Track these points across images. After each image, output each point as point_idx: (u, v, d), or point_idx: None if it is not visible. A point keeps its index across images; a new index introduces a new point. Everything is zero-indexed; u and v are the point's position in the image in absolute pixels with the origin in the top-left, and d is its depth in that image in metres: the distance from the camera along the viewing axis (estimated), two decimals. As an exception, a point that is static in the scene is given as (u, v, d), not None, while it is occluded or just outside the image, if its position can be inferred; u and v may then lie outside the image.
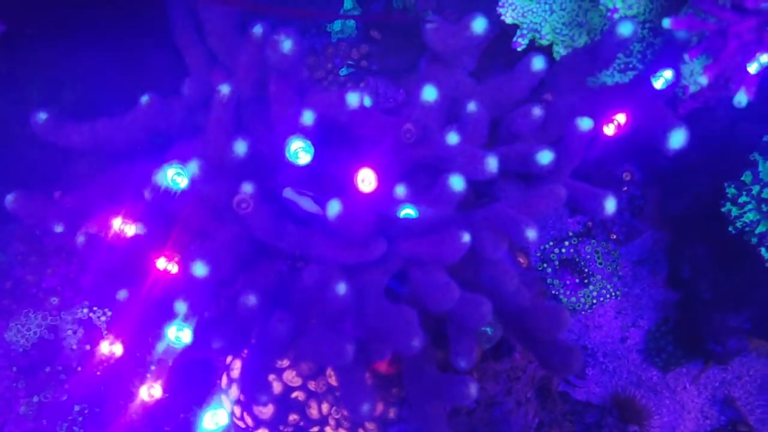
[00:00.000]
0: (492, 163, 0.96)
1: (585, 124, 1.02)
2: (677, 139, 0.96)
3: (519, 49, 1.24)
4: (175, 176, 0.98)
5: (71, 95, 1.30)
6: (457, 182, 0.94)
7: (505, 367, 1.11)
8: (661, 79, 1.08)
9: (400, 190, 0.95)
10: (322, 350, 0.87)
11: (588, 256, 1.63)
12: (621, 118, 0.94)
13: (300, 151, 0.96)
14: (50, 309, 1.41)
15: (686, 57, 0.92)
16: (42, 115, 1.06)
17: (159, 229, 1.08)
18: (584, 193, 1.03)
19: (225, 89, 1.01)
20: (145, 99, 1.04)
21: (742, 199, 1.37)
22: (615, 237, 1.66)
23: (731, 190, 1.39)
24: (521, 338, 0.95)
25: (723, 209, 1.41)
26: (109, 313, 1.42)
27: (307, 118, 0.98)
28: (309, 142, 0.95)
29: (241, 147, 0.96)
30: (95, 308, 1.43)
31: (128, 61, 1.29)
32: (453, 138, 0.97)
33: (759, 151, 1.38)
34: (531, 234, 0.89)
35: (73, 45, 1.23)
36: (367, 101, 0.97)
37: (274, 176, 1.06)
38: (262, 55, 1.03)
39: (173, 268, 1.04)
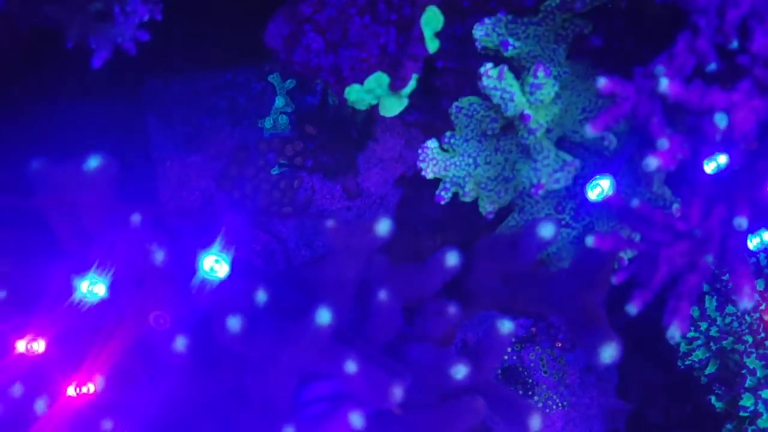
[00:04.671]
0: (397, 393, 0.81)
1: (506, 327, 0.87)
2: (608, 353, 0.82)
3: (442, 203, 1.08)
4: (91, 287, 0.86)
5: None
6: (357, 420, 0.79)
7: None
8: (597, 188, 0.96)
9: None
10: None
11: (532, 364, 1.51)
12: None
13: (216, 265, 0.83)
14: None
15: (613, 280, 0.77)
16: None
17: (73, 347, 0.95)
18: (507, 404, 0.88)
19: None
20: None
21: (691, 334, 1.24)
22: (560, 345, 1.53)
23: (679, 324, 1.25)
24: None
25: (671, 342, 1.27)
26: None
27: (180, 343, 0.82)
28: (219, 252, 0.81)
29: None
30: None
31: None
32: (351, 367, 0.81)
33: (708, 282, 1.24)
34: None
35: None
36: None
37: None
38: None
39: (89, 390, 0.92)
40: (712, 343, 1.21)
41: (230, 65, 1.59)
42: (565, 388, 1.50)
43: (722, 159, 0.74)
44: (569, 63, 1.03)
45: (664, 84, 0.70)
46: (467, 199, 1.05)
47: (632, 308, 0.74)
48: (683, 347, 1.25)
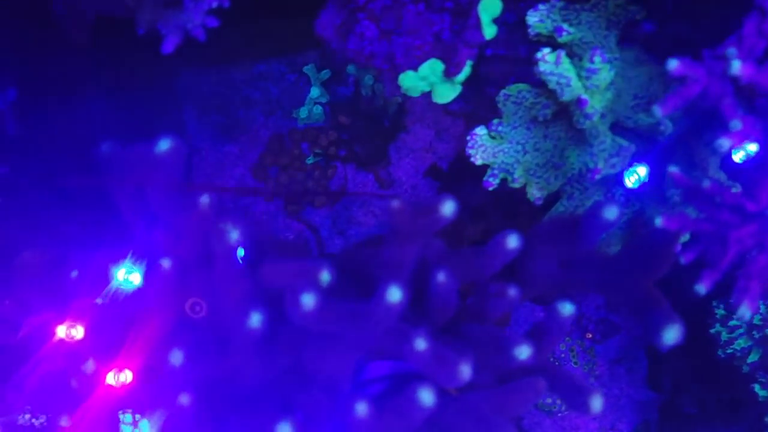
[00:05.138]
0: (465, 371, 0.82)
1: (567, 309, 0.88)
2: (672, 335, 0.82)
3: (490, 189, 1.09)
4: (127, 275, 0.88)
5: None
6: (427, 396, 0.80)
7: None
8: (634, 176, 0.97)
9: (362, 408, 0.80)
10: None
11: (562, 355, 1.52)
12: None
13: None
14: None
15: (681, 260, 0.77)
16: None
17: (109, 335, 0.96)
18: (568, 385, 0.89)
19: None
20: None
21: (732, 323, 1.24)
22: (591, 336, 1.53)
23: (720, 311, 1.26)
24: None
25: (712, 330, 1.28)
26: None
27: (255, 320, 0.82)
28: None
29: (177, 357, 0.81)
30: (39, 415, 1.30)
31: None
32: (421, 344, 0.82)
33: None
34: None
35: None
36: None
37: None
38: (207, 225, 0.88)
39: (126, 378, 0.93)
40: (755, 332, 1.21)
41: (264, 56, 1.60)
42: (595, 379, 1.51)
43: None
44: (620, 49, 1.03)
45: (737, 66, 0.71)
46: (516, 185, 1.06)
47: (701, 288, 0.75)
48: (724, 336, 1.25)
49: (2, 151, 1.03)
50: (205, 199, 0.82)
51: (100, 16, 0.88)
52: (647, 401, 1.52)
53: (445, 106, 1.24)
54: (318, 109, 1.58)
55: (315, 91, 1.56)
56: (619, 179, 1.03)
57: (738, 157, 0.80)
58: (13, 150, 1.03)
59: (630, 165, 1.00)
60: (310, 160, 1.57)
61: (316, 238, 1.61)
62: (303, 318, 0.78)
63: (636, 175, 0.99)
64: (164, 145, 0.81)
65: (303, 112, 1.57)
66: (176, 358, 0.76)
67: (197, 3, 0.77)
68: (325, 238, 1.61)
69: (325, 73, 1.55)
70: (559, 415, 1.53)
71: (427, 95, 1.12)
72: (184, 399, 0.75)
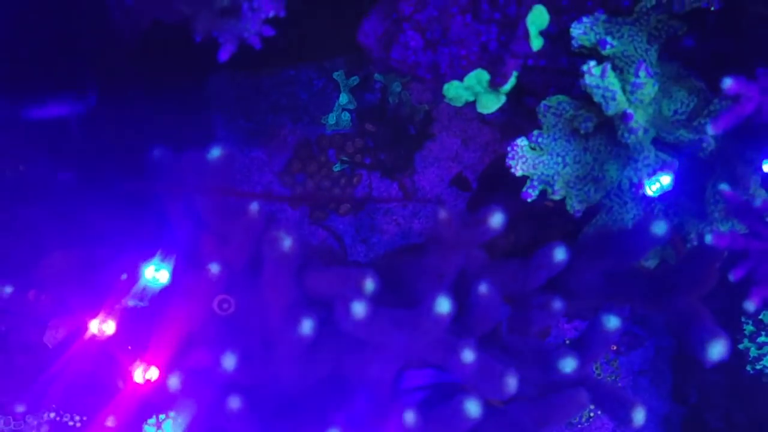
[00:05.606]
0: (511, 384, 0.82)
1: (612, 323, 0.88)
2: (718, 350, 0.82)
3: (529, 200, 1.09)
4: (155, 273, 0.89)
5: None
6: (473, 408, 0.80)
7: None
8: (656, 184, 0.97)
9: (410, 417, 0.81)
10: None
11: (587, 366, 1.52)
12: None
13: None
14: (14, 414, 1.27)
15: (731, 277, 0.78)
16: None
17: (138, 332, 0.96)
18: (611, 397, 0.89)
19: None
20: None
21: (761, 339, 1.24)
22: (615, 348, 1.53)
23: (749, 327, 1.26)
24: None
25: (740, 346, 1.28)
26: (78, 419, 1.30)
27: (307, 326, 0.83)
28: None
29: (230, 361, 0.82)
30: (64, 414, 1.30)
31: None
32: (468, 356, 0.82)
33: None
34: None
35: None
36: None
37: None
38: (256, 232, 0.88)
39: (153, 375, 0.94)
40: (783, 348, 1.21)
41: (293, 62, 1.61)
42: (619, 391, 1.51)
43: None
44: (660, 64, 1.04)
45: (792, 84, 0.71)
46: (556, 197, 1.06)
47: (750, 305, 0.75)
48: (753, 352, 1.26)
49: (70, 157, 1.04)
50: (254, 207, 0.82)
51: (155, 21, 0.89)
52: (670, 414, 1.51)
53: (480, 115, 1.24)
54: (346, 116, 1.59)
55: (344, 98, 1.57)
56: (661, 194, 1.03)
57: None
58: (80, 155, 1.04)
59: (653, 173, 1.00)
60: (337, 168, 1.58)
61: (341, 245, 1.61)
62: (353, 326, 0.78)
63: (658, 183, 0.99)
64: (216, 152, 0.82)
65: (331, 119, 1.58)
66: (229, 362, 0.76)
67: (255, 12, 0.78)
68: (348, 246, 1.61)
69: (354, 80, 1.55)
70: (580, 426, 1.53)
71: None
72: (235, 403, 0.75)
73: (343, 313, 0.78)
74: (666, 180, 0.99)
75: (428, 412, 0.81)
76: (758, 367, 1.23)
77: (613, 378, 1.52)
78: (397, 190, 1.61)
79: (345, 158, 1.58)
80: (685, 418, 1.50)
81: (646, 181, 1.00)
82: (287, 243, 0.76)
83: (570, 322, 1.53)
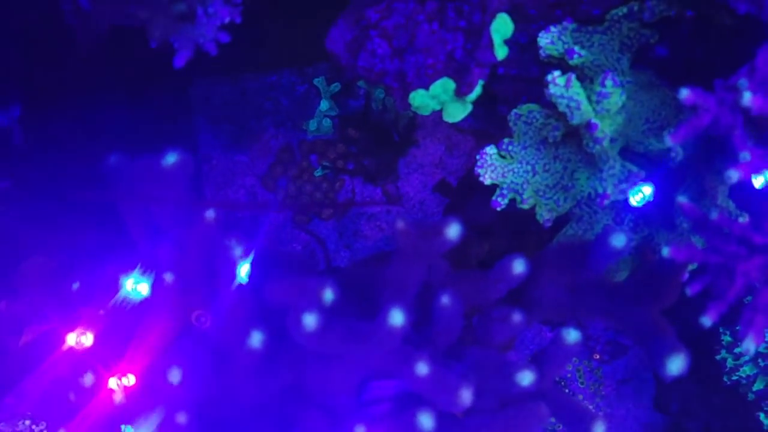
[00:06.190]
0: (466, 396, 0.81)
1: (572, 337, 0.87)
2: (677, 365, 0.81)
3: (498, 209, 1.08)
4: (135, 285, 0.89)
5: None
6: (426, 421, 0.80)
7: None
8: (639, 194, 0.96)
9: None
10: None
11: (569, 375, 1.52)
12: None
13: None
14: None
15: (687, 291, 0.77)
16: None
17: (116, 343, 0.96)
18: (571, 411, 0.88)
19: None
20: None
21: (738, 350, 1.23)
22: (598, 357, 1.53)
23: (726, 338, 1.25)
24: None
25: (717, 357, 1.27)
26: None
27: (256, 339, 0.82)
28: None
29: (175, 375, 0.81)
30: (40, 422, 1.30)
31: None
32: (422, 368, 0.81)
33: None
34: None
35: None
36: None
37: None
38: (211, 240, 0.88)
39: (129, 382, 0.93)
40: (760, 360, 1.20)
41: (275, 67, 1.61)
42: (601, 399, 1.50)
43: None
44: (632, 73, 1.03)
45: (748, 97, 0.70)
46: (525, 206, 1.05)
47: (707, 320, 0.74)
48: (730, 362, 1.24)
49: (8, 165, 1.03)
50: (210, 214, 0.82)
51: (113, 26, 0.89)
52: (653, 423, 1.50)
53: (456, 125, 1.24)
54: (327, 122, 1.58)
55: (324, 104, 1.56)
56: (630, 205, 1.03)
57: (758, 183, 0.79)
58: (20, 163, 1.04)
59: (635, 184, 1.00)
60: (318, 173, 1.57)
61: (323, 250, 1.61)
62: (305, 338, 0.78)
63: (641, 194, 0.98)
64: (171, 158, 0.82)
65: (312, 125, 1.58)
66: (174, 376, 0.75)
67: (210, 18, 0.77)
68: (332, 252, 1.61)
69: (335, 86, 1.55)
70: (558, 435, 1.52)
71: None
72: (182, 418, 0.75)
73: (295, 325, 0.77)
74: (648, 190, 0.98)
75: (381, 426, 0.80)
76: (735, 377, 1.21)
77: (597, 387, 1.52)
78: (381, 196, 1.61)
79: (326, 164, 1.58)
80: (666, 427, 1.49)
81: (629, 191, 0.99)
82: (238, 252, 0.76)
83: (553, 330, 1.52)
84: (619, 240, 0.82)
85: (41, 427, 1.27)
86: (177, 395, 0.87)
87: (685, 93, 0.71)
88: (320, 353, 0.86)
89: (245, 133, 1.62)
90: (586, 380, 1.51)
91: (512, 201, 1.07)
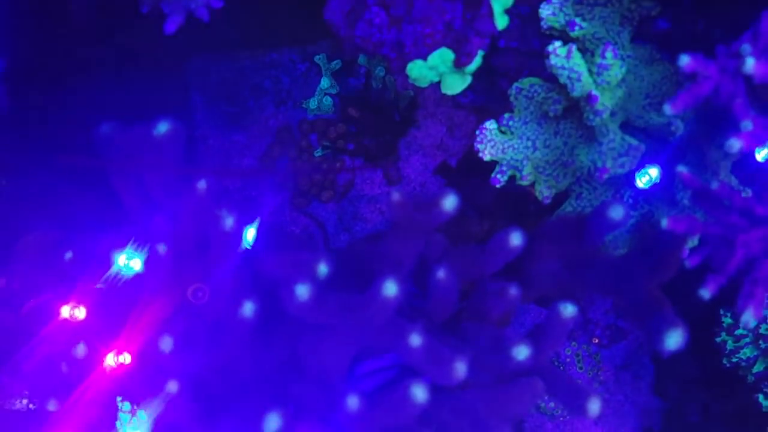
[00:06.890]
0: (460, 369, 0.80)
1: (568, 311, 0.86)
2: (674, 340, 0.80)
3: (497, 186, 1.07)
4: (128, 261, 0.88)
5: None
6: (420, 393, 0.79)
7: None
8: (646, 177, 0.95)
9: (353, 402, 0.79)
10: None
11: (568, 360, 1.51)
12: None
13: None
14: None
15: (687, 263, 0.75)
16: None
17: (110, 318, 0.95)
18: (566, 387, 0.87)
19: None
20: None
21: (738, 332, 1.22)
22: (597, 341, 1.52)
23: (727, 320, 1.23)
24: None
25: (717, 339, 1.25)
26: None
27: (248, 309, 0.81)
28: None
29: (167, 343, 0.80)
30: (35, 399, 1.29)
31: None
32: (416, 340, 0.80)
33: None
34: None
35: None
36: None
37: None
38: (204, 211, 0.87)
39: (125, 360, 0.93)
40: (761, 341, 1.19)
41: (275, 45, 1.59)
42: (599, 385, 1.49)
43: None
44: (633, 46, 1.01)
45: (750, 63, 0.69)
46: (525, 183, 1.04)
47: (706, 293, 0.73)
48: (730, 345, 1.23)
49: None
50: (202, 184, 0.81)
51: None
52: (651, 408, 1.49)
53: (456, 100, 1.22)
54: (328, 101, 1.57)
55: (325, 82, 1.55)
56: (629, 180, 1.01)
57: (761, 155, 0.78)
58: (8, 128, 1.03)
59: (642, 166, 0.98)
60: (318, 153, 1.56)
61: (323, 232, 1.59)
62: (297, 309, 0.77)
63: (648, 176, 0.97)
64: (163, 127, 0.80)
65: (312, 103, 1.56)
66: (166, 344, 0.75)
67: (202, -17, 0.76)
68: (332, 235, 1.60)
69: (336, 64, 1.53)
70: (561, 419, 1.51)
71: (438, 88, 1.10)
72: (172, 386, 0.74)
73: (288, 296, 0.76)
74: (654, 172, 0.97)
75: (375, 397, 0.79)
76: (734, 360, 1.20)
77: (595, 372, 1.51)
78: (381, 178, 1.59)
79: (327, 143, 1.56)
80: (665, 411, 1.48)
81: (636, 174, 0.98)
82: (229, 222, 0.75)
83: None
84: (616, 212, 0.81)
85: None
86: (173, 369, 0.87)
87: (685, 60, 0.69)
88: (314, 325, 0.85)
89: (243, 111, 1.60)
90: (585, 365, 1.50)
91: (512, 179, 1.05)
